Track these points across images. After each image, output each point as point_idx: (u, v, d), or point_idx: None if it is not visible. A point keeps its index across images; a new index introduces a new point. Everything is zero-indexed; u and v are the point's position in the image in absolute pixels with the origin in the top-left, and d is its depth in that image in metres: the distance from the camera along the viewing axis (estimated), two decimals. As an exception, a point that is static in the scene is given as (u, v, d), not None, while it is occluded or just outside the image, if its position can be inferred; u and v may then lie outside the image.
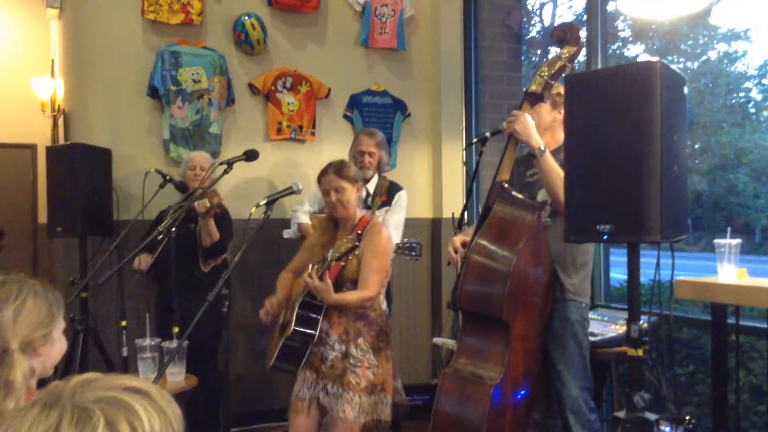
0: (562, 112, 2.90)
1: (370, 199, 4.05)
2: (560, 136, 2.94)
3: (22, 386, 1.48)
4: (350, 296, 2.97)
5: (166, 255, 3.58)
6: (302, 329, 2.97)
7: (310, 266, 3.00)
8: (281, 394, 4.71)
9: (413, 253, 3.49)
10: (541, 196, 2.98)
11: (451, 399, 2.79)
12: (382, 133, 4.23)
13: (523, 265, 2.72)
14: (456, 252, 2.99)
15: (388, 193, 4.08)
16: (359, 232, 2.89)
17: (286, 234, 4.29)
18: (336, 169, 3.09)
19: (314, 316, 2.99)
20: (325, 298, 2.90)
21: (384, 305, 3.17)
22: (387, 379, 3.05)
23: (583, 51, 4.05)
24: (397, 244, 3.51)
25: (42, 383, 1.60)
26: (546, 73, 2.82)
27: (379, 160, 4.09)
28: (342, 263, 2.98)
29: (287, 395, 4.68)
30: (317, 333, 2.98)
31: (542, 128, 2.96)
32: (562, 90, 2.94)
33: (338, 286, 2.99)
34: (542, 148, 2.78)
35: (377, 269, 3.01)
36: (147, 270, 3.88)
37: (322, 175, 3.13)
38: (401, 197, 4.11)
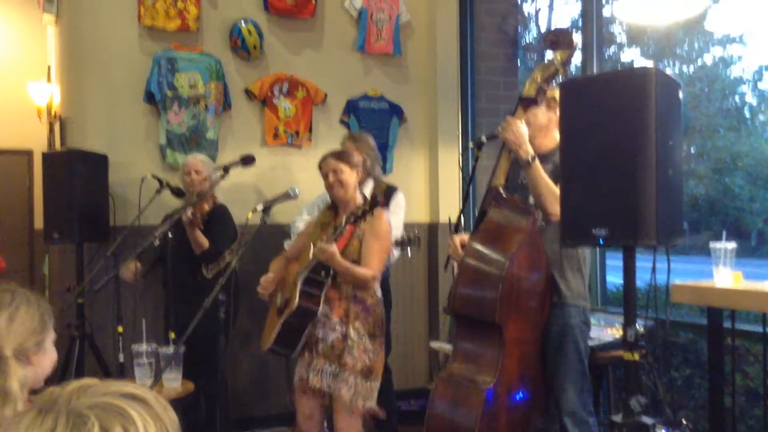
0: (558, 112, 2.93)
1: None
2: (555, 135, 2.96)
3: (20, 394, 1.48)
4: (356, 269, 3.08)
5: (169, 261, 3.59)
6: (306, 305, 3.04)
7: (312, 245, 3.06)
8: (279, 400, 4.71)
9: (406, 246, 3.54)
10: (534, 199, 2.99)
11: (444, 403, 2.80)
12: (371, 137, 4.24)
13: (517, 269, 2.73)
14: (458, 250, 3.01)
15: (385, 195, 4.09)
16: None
17: (287, 245, 4.30)
18: (335, 154, 3.28)
19: (316, 292, 3.08)
20: (331, 261, 3.00)
21: (379, 293, 3.27)
22: (379, 367, 3.16)
23: (579, 55, 4.07)
24: (396, 240, 3.59)
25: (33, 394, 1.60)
26: (539, 78, 2.83)
27: (363, 162, 4.09)
28: (345, 241, 3.07)
29: (285, 400, 4.69)
30: (319, 309, 3.07)
31: (537, 128, 2.97)
32: (556, 94, 2.95)
33: None
34: (530, 159, 2.79)
35: (378, 251, 3.14)
36: (137, 278, 3.86)
37: (322, 161, 3.28)
38: (398, 198, 4.13)
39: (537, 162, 2.80)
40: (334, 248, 2.98)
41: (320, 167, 3.29)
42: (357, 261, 3.11)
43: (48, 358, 1.64)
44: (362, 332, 3.11)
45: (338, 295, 3.12)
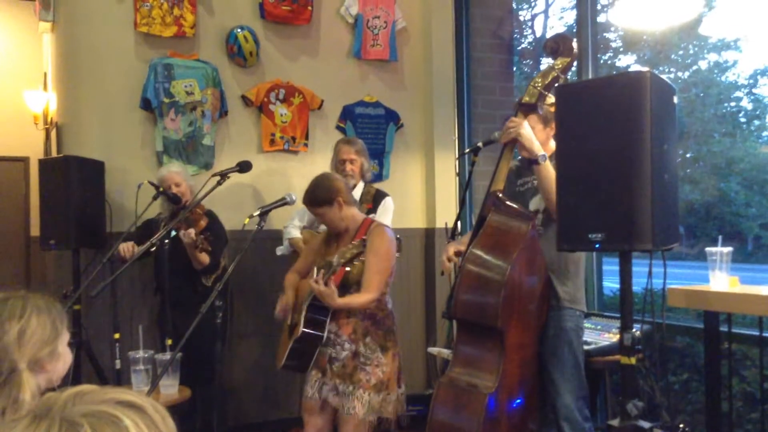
0: (553, 126, 2.97)
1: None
2: (550, 146, 3.01)
3: (31, 405, 1.48)
4: (355, 300, 3.04)
5: (163, 269, 3.57)
6: (311, 331, 3.05)
7: (315, 269, 3.05)
8: (277, 406, 4.70)
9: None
10: (533, 205, 3.00)
11: (446, 408, 2.80)
12: (362, 141, 4.26)
13: (518, 274, 2.73)
14: (450, 261, 3.02)
15: (374, 200, 4.11)
16: (364, 237, 2.91)
17: (279, 251, 4.30)
18: (310, 200, 3.14)
19: (322, 318, 3.07)
20: (330, 303, 2.95)
21: (390, 305, 3.26)
22: (392, 377, 3.14)
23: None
24: None
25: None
26: (540, 84, 2.84)
27: (361, 166, 4.11)
28: (347, 267, 3.05)
29: (283, 407, 4.69)
30: (325, 335, 3.06)
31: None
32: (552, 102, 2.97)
33: (344, 289, 3.05)
34: (544, 154, 2.79)
35: (379, 271, 3.08)
36: (131, 257, 3.61)
37: (304, 203, 3.21)
38: (387, 203, 4.14)
39: (548, 160, 2.79)
40: (330, 290, 2.89)
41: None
42: (360, 282, 3.09)
43: (62, 362, 1.64)
44: (374, 347, 3.10)
45: (346, 312, 3.11)
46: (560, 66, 2.83)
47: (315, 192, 3.13)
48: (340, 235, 3.23)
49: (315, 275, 3.00)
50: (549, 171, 2.78)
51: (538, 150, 2.80)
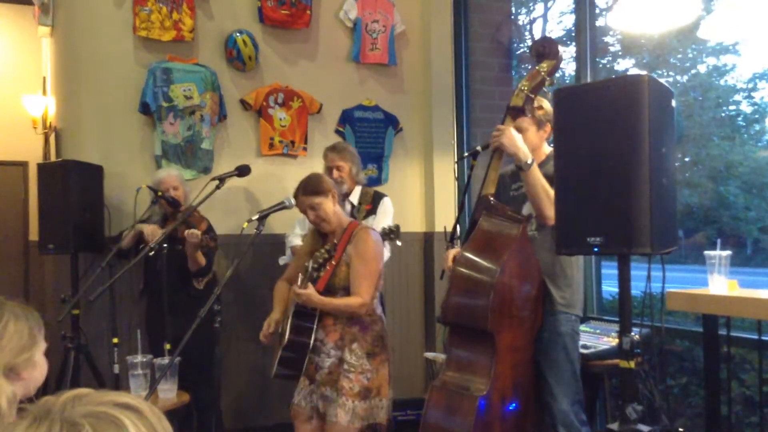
0: (547, 129, 2.98)
1: (355, 210, 4.07)
2: (544, 150, 3.04)
3: (8, 412, 1.47)
4: (338, 300, 3.02)
5: (158, 273, 3.57)
6: (297, 338, 3.04)
7: (300, 276, 3.05)
8: (275, 410, 4.69)
9: (392, 236, 3.46)
10: (527, 209, 3.00)
11: (438, 411, 2.80)
12: (352, 146, 4.26)
13: (508, 277, 2.74)
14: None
15: (373, 201, 4.11)
16: (335, 241, 2.92)
17: (282, 261, 4.29)
18: (303, 188, 3.15)
19: (308, 324, 3.06)
20: (309, 304, 2.96)
21: (379, 310, 3.23)
22: (383, 383, 3.11)
23: (573, 65, 4.10)
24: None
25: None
26: (526, 87, 2.86)
27: (349, 171, 4.10)
28: (331, 269, 3.03)
29: (281, 411, 4.68)
30: (312, 342, 3.05)
31: (530, 150, 3.01)
32: (544, 104, 2.99)
33: (330, 294, 3.04)
34: (529, 161, 2.81)
35: (366, 275, 3.05)
36: (156, 243, 3.43)
37: (295, 197, 3.20)
38: (385, 203, 4.14)
39: (535, 165, 2.81)
40: (309, 290, 2.92)
41: (297, 206, 3.22)
42: (347, 287, 3.06)
43: (39, 371, 1.62)
44: (360, 353, 3.06)
45: (333, 320, 3.08)
46: (546, 69, 2.85)
47: (309, 182, 3.16)
48: (326, 237, 3.22)
49: (297, 283, 3.02)
50: (535, 177, 2.80)
51: (524, 157, 2.81)
